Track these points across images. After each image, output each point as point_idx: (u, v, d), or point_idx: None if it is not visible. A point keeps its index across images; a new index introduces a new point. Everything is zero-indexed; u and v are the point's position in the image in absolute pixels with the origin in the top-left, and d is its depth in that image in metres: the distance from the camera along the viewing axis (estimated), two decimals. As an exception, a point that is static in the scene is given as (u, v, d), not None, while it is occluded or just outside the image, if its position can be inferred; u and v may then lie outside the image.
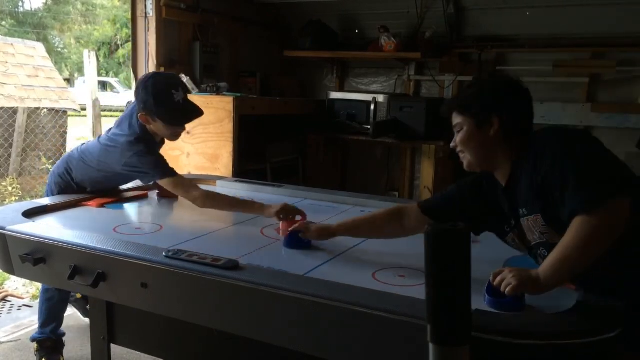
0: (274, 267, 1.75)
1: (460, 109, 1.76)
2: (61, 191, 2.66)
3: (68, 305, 3.02)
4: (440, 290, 1.09)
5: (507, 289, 1.45)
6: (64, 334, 2.97)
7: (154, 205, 2.67)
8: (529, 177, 1.60)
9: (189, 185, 2.53)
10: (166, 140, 2.76)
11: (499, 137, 1.69)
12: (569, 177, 1.47)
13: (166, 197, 2.74)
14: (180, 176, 2.56)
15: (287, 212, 2.30)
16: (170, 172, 2.50)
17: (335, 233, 2.07)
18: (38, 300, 2.95)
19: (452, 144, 1.81)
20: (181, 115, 2.52)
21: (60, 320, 2.92)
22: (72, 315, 3.20)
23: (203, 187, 3.00)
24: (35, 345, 2.87)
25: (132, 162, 2.46)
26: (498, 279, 1.48)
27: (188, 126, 3.81)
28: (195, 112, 2.57)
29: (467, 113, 1.73)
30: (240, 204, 2.51)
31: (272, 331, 1.61)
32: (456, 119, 1.77)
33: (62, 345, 2.95)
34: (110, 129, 2.64)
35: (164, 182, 2.49)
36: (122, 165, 2.48)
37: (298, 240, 2.04)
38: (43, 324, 2.85)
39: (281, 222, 2.28)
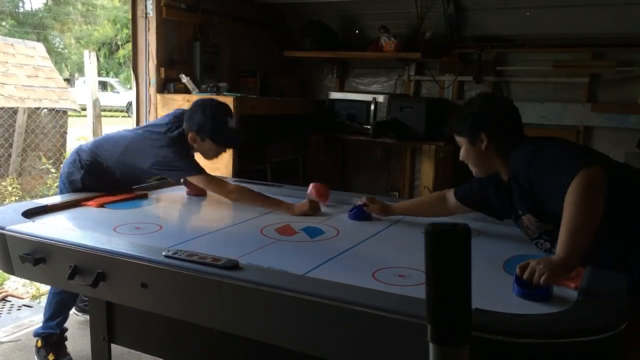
0: (273, 266, 1.75)
1: (455, 132, 2.10)
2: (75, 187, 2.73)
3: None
4: (440, 290, 1.09)
5: (542, 280, 1.54)
6: (67, 330, 2.97)
7: (154, 205, 2.67)
8: (515, 185, 1.93)
9: (220, 181, 2.71)
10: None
11: (490, 149, 2.01)
12: (546, 176, 1.79)
13: (195, 194, 2.84)
14: (210, 174, 2.70)
15: (313, 209, 2.54)
16: (203, 170, 2.68)
17: (394, 212, 2.45)
18: (47, 294, 2.93)
19: (460, 158, 2.14)
20: (232, 139, 2.82)
21: (66, 315, 2.93)
22: (72, 315, 3.20)
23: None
24: (38, 341, 2.86)
25: (168, 159, 2.61)
26: (527, 272, 1.58)
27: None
28: (239, 138, 2.92)
29: (460, 134, 2.08)
30: (269, 201, 2.62)
31: (272, 331, 1.61)
32: (457, 138, 2.11)
33: (66, 339, 2.95)
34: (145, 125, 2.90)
35: (197, 179, 2.66)
36: (153, 160, 2.62)
37: (363, 212, 2.43)
38: (50, 318, 2.85)
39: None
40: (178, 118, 2.74)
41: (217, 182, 2.66)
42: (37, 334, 2.87)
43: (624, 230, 1.78)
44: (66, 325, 2.95)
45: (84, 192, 2.65)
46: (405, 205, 2.49)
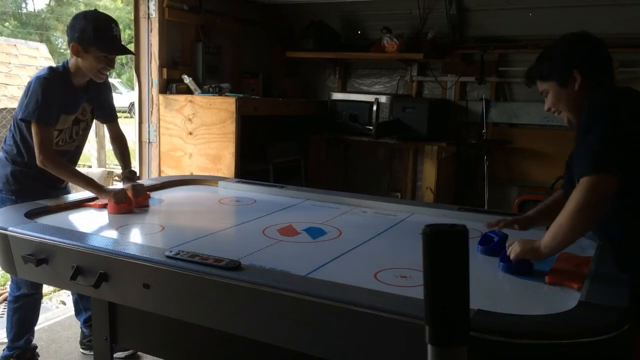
0: (275, 267, 1.76)
1: (540, 77, 1.95)
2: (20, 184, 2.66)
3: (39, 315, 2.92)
4: (437, 291, 1.09)
5: (512, 255, 1.74)
6: (36, 347, 2.90)
7: (156, 205, 2.67)
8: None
9: (49, 143, 2.50)
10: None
11: (584, 89, 1.85)
12: (580, 149, 1.72)
13: (117, 212, 2.45)
14: (50, 130, 2.51)
15: (121, 198, 2.42)
16: (42, 118, 2.47)
17: (535, 223, 2.20)
18: (4, 313, 2.83)
19: (545, 108, 2.00)
20: (117, 46, 2.57)
21: (32, 330, 2.84)
22: (74, 315, 3.20)
23: (202, 187, 3.02)
24: None
25: (28, 90, 2.49)
26: (509, 246, 1.78)
27: (190, 126, 3.87)
28: (127, 49, 2.70)
29: (548, 79, 1.92)
30: (81, 178, 2.55)
31: (273, 332, 1.61)
32: (541, 86, 1.97)
33: (38, 356, 2.90)
34: None
35: (33, 125, 2.47)
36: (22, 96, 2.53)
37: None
38: (15, 338, 2.77)
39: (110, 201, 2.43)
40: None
41: (42, 139, 2.46)
42: (5, 357, 2.77)
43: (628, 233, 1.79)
44: (66, 327, 2.92)
45: (25, 191, 2.60)
46: (541, 212, 2.20)
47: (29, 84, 2.54)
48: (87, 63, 2.53)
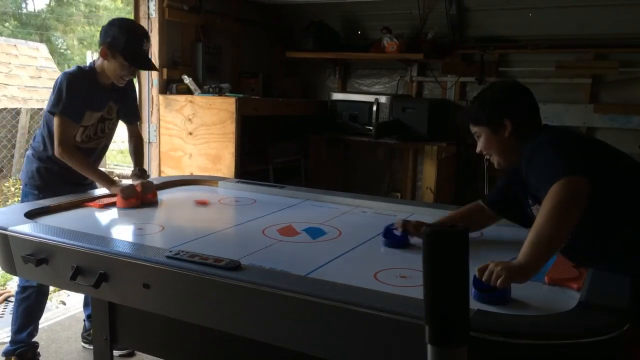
0: (275, 267, 1.76)
1: (473, 121, 2.01)
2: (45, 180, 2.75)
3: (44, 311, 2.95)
4: (438, 291, 1.09)
5: (499, 282, 1.50)
6: (38, 345, 2.91)
7: (156, 206, 2.67)
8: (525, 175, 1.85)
9: (68, 135, 2.61)
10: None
11: (514, 136, 1.93)
12: (538, 177, 1.75)
13: (124, 207, 2.55)
14: (72, 123, 2.62)
15: (129, 193, 2.55)
16: (66, 111, 2.59)
17: None
18: (4, 313, 2.85)
19: (477, 150, 2.05)
20: (143, 60, 2.70)
21: (36, 324, 2.87)
22: (74, 315, 3.21)
23: (202, 187, 3.02)
24: None
25: (56, 87, 2.61)
26: (486, 273, 1.54)
27: (191, 126, 3.87)
28: (152, 64, 2.81)
29: (480, 123, 1.98)
30: (94, 172, 2.69)
31: (273, 331, 1.61)
32: (473, 129, 2.03)
33: (39, 355, 2.91)
34: None
35: (56, 117, 2.59)
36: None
37: (396, 238, 2.10)
38: (18, 330, 2.79)
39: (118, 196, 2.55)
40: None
41: (62, 131, 2.58)
42: (8, 353, 2.79)
43: (627, 236, 1.77)
44: (66, 327, 2.92)
45: (48, 187, 2.69)
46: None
47: (56, 80, 2.65)
48: (111, 67, 2.64)
